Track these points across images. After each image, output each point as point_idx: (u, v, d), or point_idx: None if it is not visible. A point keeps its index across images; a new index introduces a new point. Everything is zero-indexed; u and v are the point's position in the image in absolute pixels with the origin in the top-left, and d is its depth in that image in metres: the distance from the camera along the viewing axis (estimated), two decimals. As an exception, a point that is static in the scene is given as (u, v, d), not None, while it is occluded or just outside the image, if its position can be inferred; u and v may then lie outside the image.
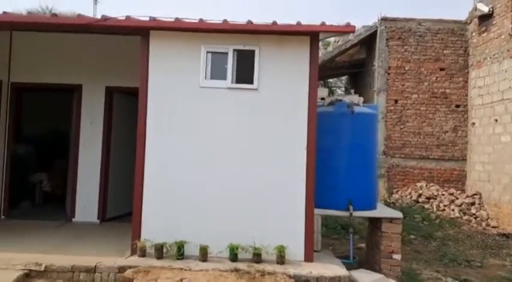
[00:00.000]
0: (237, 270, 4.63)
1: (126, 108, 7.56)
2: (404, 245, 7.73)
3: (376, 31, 11.91)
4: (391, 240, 5.54)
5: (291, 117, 5.12)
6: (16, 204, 7.86)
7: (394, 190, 11.57)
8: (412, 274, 5.89)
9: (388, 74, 11.71)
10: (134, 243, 4.97)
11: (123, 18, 4.89)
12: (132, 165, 7.97)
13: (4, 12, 4.93)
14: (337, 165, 5.60)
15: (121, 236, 5.88)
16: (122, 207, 7.56)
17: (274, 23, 4.90)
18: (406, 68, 11.63)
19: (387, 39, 11.69)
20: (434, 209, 10.28)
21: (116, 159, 7.46)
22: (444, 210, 10.22)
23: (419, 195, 10.75)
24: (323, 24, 4.81)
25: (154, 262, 4.76)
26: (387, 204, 10.69)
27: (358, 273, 4.93)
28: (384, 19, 11.77)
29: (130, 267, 4.61)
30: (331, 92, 22.64)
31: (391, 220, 5.58)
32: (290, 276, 4.56)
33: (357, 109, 5.64)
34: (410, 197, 10.88)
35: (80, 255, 4.94)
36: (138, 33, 5.18)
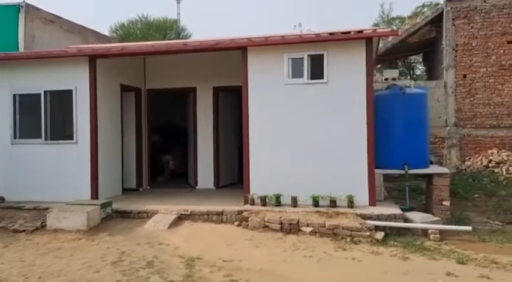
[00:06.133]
0: (318, 211, 6.58)
1: (227, 101, 9.89)
2: (466, 202, 9.07)
3: (442, 11, 12.77)
4: (440, 190, 7.08)
5: (353, 101, 6.85)
6: (153, 179, 10.62)
7: (466, 158, 12.50)
8: (462, 218, 7.29)
9: (456, 51, 12.54)
10: (246, 196, 7.16)
11: (229, 41, 7.01)
12: (233, 143, 10.32)
13: (153, 45, 7.33)
14: (394, 135, 7.22)
15: (232, 196, 8.17)
16: (228, 178, 9.95)
17: (337, 33, 6.66)
18: (473, 44, 12.37)
19: (453, 19, 12.50)
20: (504, 172, 11.11)
21: (223, 140, 9.80)
22: (513, 173, 11.04)
23: (489, 161, 11.63)
24: (374, 31, 6.46)
25: (261, 208, 6.91)
26: (459, 171, 11.84)
27: (410, 213, 6.59)
28: (449, 0, 12.58)
29: (245, 210, 6.80)
30: (411, 69, 23.27)
31: (440, 175, 7.11)
32: (357, 215, 6.39)
33: (408, 90, 7.19)
34: (481, 163, 11.80)
35: (210, 205, 7.25)
36: (239, 49, 7.28)
